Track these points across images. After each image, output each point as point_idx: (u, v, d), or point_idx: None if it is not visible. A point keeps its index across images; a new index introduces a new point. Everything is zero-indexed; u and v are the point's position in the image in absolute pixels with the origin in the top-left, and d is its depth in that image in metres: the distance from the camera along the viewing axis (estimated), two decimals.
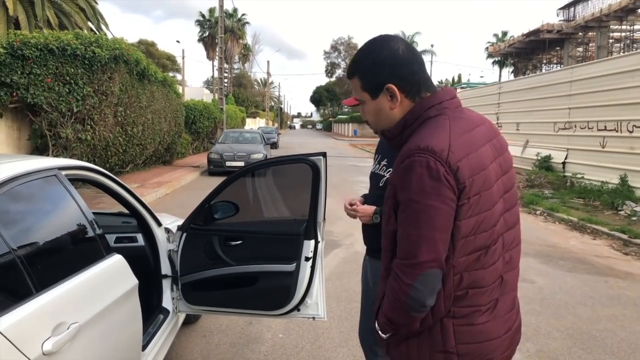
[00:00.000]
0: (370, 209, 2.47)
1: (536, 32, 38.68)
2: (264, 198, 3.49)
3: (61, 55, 10.05)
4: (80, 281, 2.01)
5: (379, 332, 1.60)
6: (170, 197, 11.37)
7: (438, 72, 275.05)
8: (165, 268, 3.31)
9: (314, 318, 3.10)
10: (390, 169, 2.43)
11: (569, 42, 38.41)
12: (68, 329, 1.78)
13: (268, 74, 69.48)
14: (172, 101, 17.39)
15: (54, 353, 1.68)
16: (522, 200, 10.39)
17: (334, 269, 5.83)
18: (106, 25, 19.97)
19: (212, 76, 57.82)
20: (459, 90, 32.07)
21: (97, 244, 2.31)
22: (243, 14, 58.86)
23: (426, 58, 56.49)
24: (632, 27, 32.89)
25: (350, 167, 19.31)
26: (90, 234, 2.30)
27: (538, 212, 9.79)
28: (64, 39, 10.21)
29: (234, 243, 3.13)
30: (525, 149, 15.18)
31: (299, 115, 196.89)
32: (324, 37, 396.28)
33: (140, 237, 3.39)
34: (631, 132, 10.30)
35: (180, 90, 23.42)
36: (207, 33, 56.96)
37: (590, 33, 36.26)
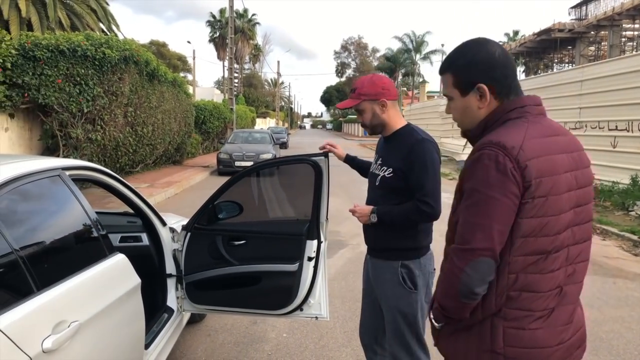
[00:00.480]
0: (367, 208, 2.48)
1: (547, 31, 38.35)
2: (268, 198, 3.51)
3: (72, 56, 10.15)
4: (81, 280, 2.04)
5: (432, 320, 1.65)
6: (180, 197, 11.44)
7: None
8: (170, 267, 3.34)
9: (316, 318, 3.12)
10: (385, 168, 2.46)
11: (580, 42, 38.06)
12: (68, 327, 1.81)
13: (278, 74, 69.68)
14: (182, 101, 17.49)
15: (54, 351, 1.71)
16: None
17: (340, 269, 5.83)
18: (117, 26, 20.12)
19: (223, 76, 58.04)
20: None
21: (100, 244, 2.34)
22: (253, 14, 59.14)
23: (437, 58, 56.25)
24: None
25: None
26: (93, 233, 2.33)
27: None
28: (75, 40, 10.30)
29: (237, 243, 3.15)
30: None
31: (309, 115, 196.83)
32: (334, 37, 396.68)
33: (145, 237, 3.42)
34: None
35: (191, 91, 23.56)
36: (218, 33, 57.28)
37: (602, 32, 35.87)
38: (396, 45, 62.73)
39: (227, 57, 31.92)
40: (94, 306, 2.05)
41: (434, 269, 2.49)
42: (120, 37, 16.54)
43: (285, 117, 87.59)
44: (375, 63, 70.98)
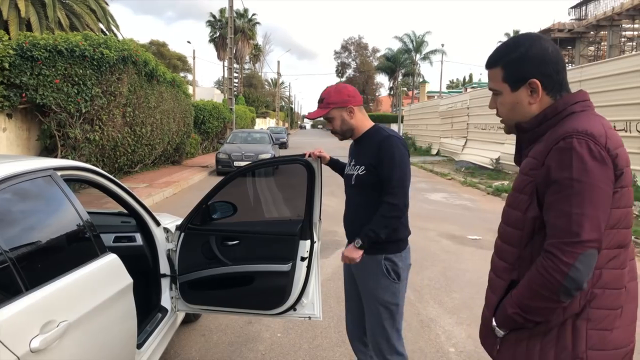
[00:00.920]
0: (350, 250, 2.56)
1: (547, 31, 38.37)
2: (261, 198, 3.53)
3: (70, 56, 10.15)
4: (71, 280, 2.04)
5: (497, 328, 1.55)
6: (178, 197, 11.44)
7: (449, 71, 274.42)
8: (164, 267, 3.35)
9: (310, 318, 3.12)
10: (358, 167, 2.61)
11: (580, 42, 38.11)
12: (57, 326, 1.82)
13: (278, 74, 69.72)
14: (181, 101, 17.49)
15: (42, 350, 1.71)
16: None
17: (337, 268, 5.83)
18: (116, 26, 20.15)
19: (223, 76, 58.04)
20: (469, 89, 31.96)
21: (92, 244, 2.34)
22: (253, 14, 59.08)
23: (436, 58, 56.36)
24: None
25: None
26: (84, 233, 2.33)
27: None
28: (73, 41, 10.31)
29: (230, 243, 3.16)
30: None
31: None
32: (334, 37, 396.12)
33: (138, 237, 3.43)
34: None
35: (190, 91, 23.56)
36: (218, 33, 57.27)
37: (602, 32, 35.91)
38: (396, 45, 62.94)
39: (227, 57, 31.93)
40: (84, 306, 2.05)
41: (410, 264, 2.66)
42: (120, 37, 16.59)
43: (285, 117, 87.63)
44: (376, 63, 71.11)
